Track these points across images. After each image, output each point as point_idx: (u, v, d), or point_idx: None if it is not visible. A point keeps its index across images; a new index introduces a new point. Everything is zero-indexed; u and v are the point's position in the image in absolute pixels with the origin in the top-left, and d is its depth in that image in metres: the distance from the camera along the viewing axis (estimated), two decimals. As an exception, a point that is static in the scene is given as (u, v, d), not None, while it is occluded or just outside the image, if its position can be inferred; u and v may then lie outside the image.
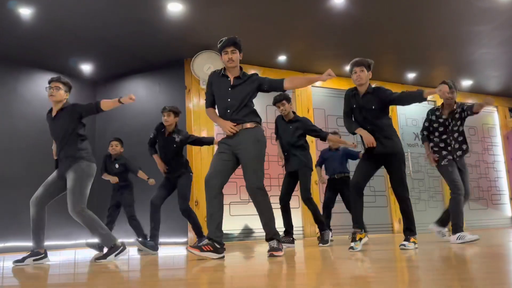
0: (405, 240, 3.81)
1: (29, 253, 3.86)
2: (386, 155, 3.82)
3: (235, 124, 3.51)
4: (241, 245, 5.68)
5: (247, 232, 6.99)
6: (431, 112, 4.60)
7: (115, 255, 3.77)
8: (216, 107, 3.71)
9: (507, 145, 9.85)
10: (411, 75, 8.47)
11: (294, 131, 4.92)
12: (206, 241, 3.38)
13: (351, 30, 6.51)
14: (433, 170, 8.86)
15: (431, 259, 2.77)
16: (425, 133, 4.67)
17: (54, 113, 3.95)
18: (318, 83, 8.08)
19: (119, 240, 3.88)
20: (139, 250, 5.05)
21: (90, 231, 3.78)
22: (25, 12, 5.46)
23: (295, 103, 7.79)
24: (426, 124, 4.63)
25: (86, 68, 7.32)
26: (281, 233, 4.66)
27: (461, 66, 8.12)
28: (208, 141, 5.12)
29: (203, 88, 7.06)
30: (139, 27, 6.07)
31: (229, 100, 3.55)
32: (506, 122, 9.99)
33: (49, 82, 3.92)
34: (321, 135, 4.97)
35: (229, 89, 3.58)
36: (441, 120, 4.50)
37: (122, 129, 7.34)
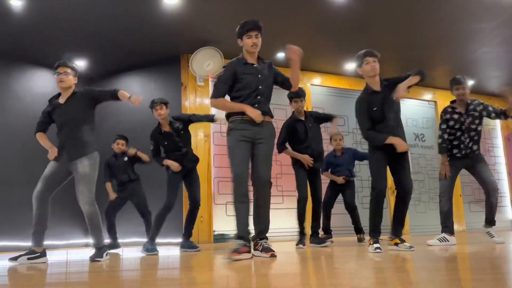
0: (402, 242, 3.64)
1: (26, 251, 3.64)
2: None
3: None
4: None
5: (244, 233, 6.85)
6: (444, 112, 4.34)
7: (106, 254, 3.68)
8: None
9: (508, 146, 9.76)
10: (411, 75, 8.36)
11: (313, 125, 4.81)
12: (241, 242, 3.22)
13: (351, 28, 6.41)
14: (433, 171, 8.74)
15: (433, 259, 2.66)
16: (443, 138, 4.28)
17: (63, 100, 3.75)
18: (317, 82, 7.97)
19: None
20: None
21: (91, 225, 3.61)
22: (16, 3, 5.32)
23: (293, 102, 7.67)
24: (444, 126, 4.29)
25: (80, 64, 7.18)
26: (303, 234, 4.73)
27: (462, 66, 8.01)
28: (209, 119, 4.92)
29: (200, 85, 6.93)
30: (134, 21, 5.94)
31: (260, 87, 3.40)
32: (507, 124, 9.90)
33: (56, 67, 3.74)
34: (331, 117, 5.02)
35: (259, 75, 3.42)
36: (455, 116, 4.25)
37: (117, 126, 7.20)
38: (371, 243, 3.51)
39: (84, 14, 5.68)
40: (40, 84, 7.15)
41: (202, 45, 6.65)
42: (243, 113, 3.33)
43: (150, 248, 4.51)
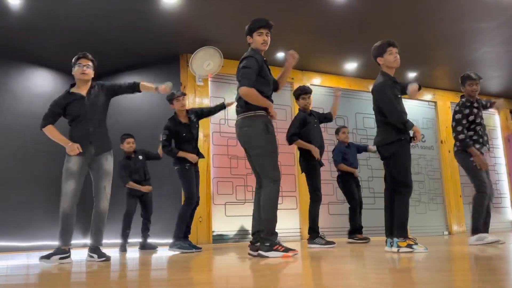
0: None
1: (53, 250, 3.56)
2: None
3: None
4: (237, 246, 5.53)
5: (243, 234, 6.82)
6: (463, 106, 4.10)
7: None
8: None
9: (507, 147, 9.74)
10: (411, 75, 8.35)
11: (317, 122, 4.88)
12: (278, 240, 3.22)
13: (351, 28, 6.39)
14: (433, 171, 8.73)
15: (433, 260, 2.64)
16: (465, 134, 4.01)
17: (84, 92, 3.67)
18: (317, 82, 7.95)
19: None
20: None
21: (101, 223, 3.60)
22: (15, 2, 5.30)
23: (294, 102, 7.65)
24: (464, 122, 4.04)
25: (79, 63, 7.16)
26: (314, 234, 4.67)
27: (462, 66, 7.98)
28: (220, 107, 4.95)
29: (200, 85, 6.90)
30: (133, 20, 5.93)
31: (271, 86, 3.39)
32: (507, 124, 9.88)
33: (78, 59, 3.67)
34: (329, 116, 5.11)
35: (270, 74, 3.41)
36: (475, 111, 4.10)
37: (116, 126, 7.15)
38: (409, 243, 3.27)
39: (83, 13, 5.66)
40: (38, 84, 7.13)
41: (202, 44, 6.63)
42: (264, 109, 3.25)
43: (185, 245, 4.57)
